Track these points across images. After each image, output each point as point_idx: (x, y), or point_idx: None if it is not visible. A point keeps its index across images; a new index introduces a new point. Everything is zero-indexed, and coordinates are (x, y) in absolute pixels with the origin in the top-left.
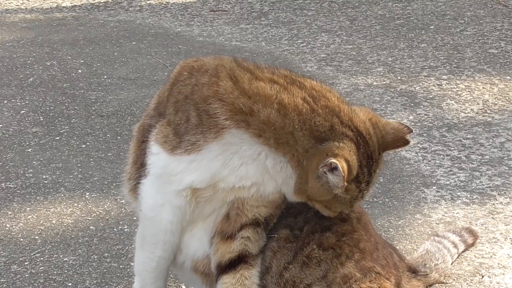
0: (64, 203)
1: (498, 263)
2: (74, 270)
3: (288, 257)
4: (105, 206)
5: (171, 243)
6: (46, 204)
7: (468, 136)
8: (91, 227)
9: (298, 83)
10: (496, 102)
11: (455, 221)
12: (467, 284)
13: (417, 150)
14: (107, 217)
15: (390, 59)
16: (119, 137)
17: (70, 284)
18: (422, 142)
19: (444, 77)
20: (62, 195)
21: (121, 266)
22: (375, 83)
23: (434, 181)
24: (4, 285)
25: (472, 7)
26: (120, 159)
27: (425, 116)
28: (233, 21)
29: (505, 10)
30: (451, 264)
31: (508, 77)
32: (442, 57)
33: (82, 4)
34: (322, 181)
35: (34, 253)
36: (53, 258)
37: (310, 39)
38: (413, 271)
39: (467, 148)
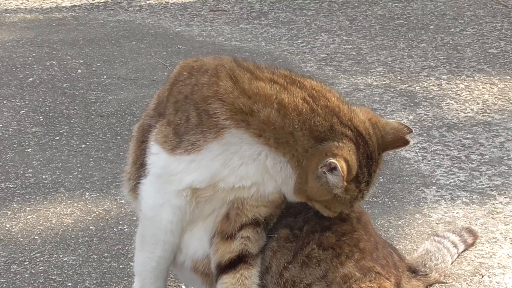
0: (64, 203)
1: (498, 263)
2: (74, 270)
3: (288, 257)
4: (105, 206)
5: (171, 243)
6: (46, 204)
7: (468, 136)
8: (91, 227)
9: (298, 83)
10: (496, 102)
11: (455, 221)
12: (467, 284)
13: (417, 150)
14: (107, 217)
15: (389, 59)
16: (119, 137)
17: (70, 284)
18: (422, 142)
19: (444, 77)
20: (62, 195)
21: (121, 266)
22: (374, 83)
23: (434, 181)
24: (4, 285)
25: (472, 7)
26: (120, 159)
27: (425, 116)
28: (232, 21)
29: (504, 10)
30: (451, 264)
31: (508, 77)
32: (442, 57)
33: (81, 4)
34: (322, 181)
35: (34, 253)
36: (53, 258)
37: (309, 39)
38: (413, 271)
39: (467, 148)
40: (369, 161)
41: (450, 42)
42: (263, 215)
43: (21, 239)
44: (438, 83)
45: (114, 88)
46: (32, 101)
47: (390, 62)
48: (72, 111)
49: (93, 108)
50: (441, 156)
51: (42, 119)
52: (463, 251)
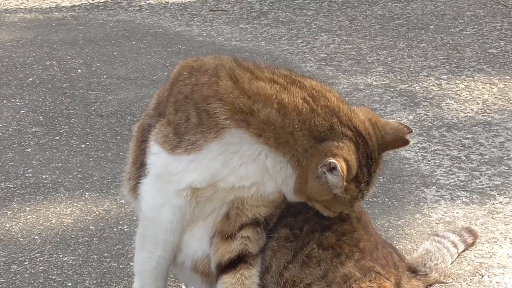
0: (64, 203)
1: (498, 263)
2: (73, 270)
3: (288, 257)
4: (105, 206)
5: (171, 243)
6: (46, 204)
7: (468, 136)
8: (90, 227)
9: (298, 83)
10: (496, 102)
11: (454, 220)
12: (467, 283)
13: (417, 150)
14: (106, 217)
15: (389, 59)
16: (118, 137)
17: (69, 284)
18: (421, 142)
19: (444, 76)
20: (62, 195)
21: (121, 266)
22: (374, 82)
23: (433, 181)
24: (4, 285)
25: (471, 7)
26: (120, 159)
27: (425, 116)
28: (232, 21)
29: (504, 10)
30: (451, 263)
31: (508, 77)
32: (442, 57)
33: (81, 4)
34: (322, 181)
35: (33, 253)
36: (53, 258)
37: (309, 39)
38: (413, 270)
39: (467, 147)
40: (369, 161)
41: (450, 42)
42: (263, 215)
43: (21, 239)
44: (438, 83)
45: (114, 88)
46: (32, 101)
47: (390, 62)
48: (72, 111)
49: (93, 108)
50: (441, 156)
51: (42, 119)
52: (463, 251)
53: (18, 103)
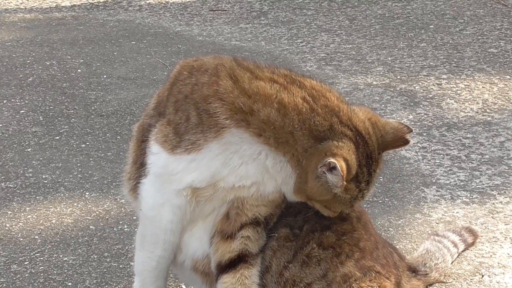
0: (64, 203)
1: (498, 263)
2: (74, 270)
3: (288, 256)
4: (105, 206)
5: (171, 243)
6: (46, 204)
7: (468, 136)
8: (91, 226)
9: (298, 83)
10: (496, 102)
11: (455, 220)
12: (467, 283)
13: (417, 150)
14: (107, 217)
15: (389, 58)
16: (118, 137)
17: (70, 283)
18: (422, 142)
19: (444, 76)
20: (62, 194)
21: (121, 266)
22: (374, 82)
23: (434, 181)
24: (4, 284)
25: (471, 7)
26: (120, 158)
27: (425, 116)
28: (232, 20)
29: (504, 10)
30: (451, 263)
31: (508, 77)
32: (442, 57)
33: (81, 3)
34: (322, 181)
35: (34, 252)
36: (53, 258)
37: (309, 39)
38: (413, 270)
39: (467, 147)
40: (369, 160)
41: (450, 42)
42: (263, 214)
43: (21, 239)
44: (438, 82)
45: (114, 88)
46: (32, 100)
47: (390, 62)
48: (72, 111)
49: (93, 108)
50: (441, 155)
51: (42, 119)
52: (463, 251)
53: (18, 103)
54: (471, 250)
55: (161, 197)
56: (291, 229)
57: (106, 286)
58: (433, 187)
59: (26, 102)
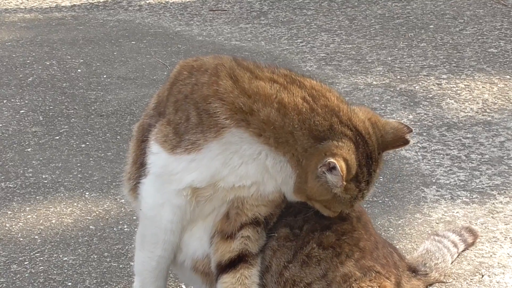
0: (64, 203)
1: (498, 263)
2: (74, 270)
3: (288, 256)
4: (105, 206)
5: (171, 243)
6: (46, 204)
7: (468, 136)
8: (90, 226)
9: (298, 83)
10: (496, 101)
11: (455, 220)
12: (467, 283)
13: (417, 150)
14: (106, 217)
15: (389, 58)
16: (118, 137)
17: (70, 283)
18: (421, 142)
19: (444, 76)
20: (62, 194)
21: (121, 266)
22: (374, 82)
23: (434, 181)
24: (4, 284)
25: (471, 7)
26: (120, 158)
27: (425, 116)
28: (232, 20)
29: (504, 9)
30: (451, 263)
31: (508, 76)
32: (442, 57)
33: (81, 3)
34: (321, 181)
35: (33, 252)
36: (53, 258)
37: (309, 39)
38: (413, 270)
39: (467, 147)
40: (369, 160)
41: (450, 42)
42: (263, 214)
43: (21, 239)
44: (438, 82)
45: (114, 88)
46: (32, 100)
47: (390, 62)
48: (72, 111)
49: (93, 108)
50: (441, 155)
51: (42, 119)
52: (463, 251)
53: (18, 103)
54: (471, 250)
55: (161, 197)
56: (291, 229)
57: (106, 286)
58: (433, 187)
59: (26, 102)
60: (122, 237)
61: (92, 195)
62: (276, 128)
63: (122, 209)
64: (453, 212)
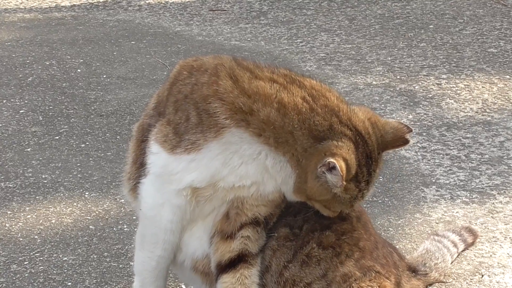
0: (64, 203)
1: (498, 262)
2: (73, 270)
3: (288, 256)
4: (105, 206)
5: (171, 243)
6: (46, 204)
7: (468, 135)
8: (90, 226)
9: (298, 82)
10: (496, 101)
11: (454, 220)
12: (467, 283)
13: (417, 149)
14: (106, 217)
15: (389, 58)
16: (118, 137)
17: (69, 283)
18: (421, 141)
19: (444, 76)
20: (62, 194)
21: (120, 266)
22: (374, 82)
23: (433, 180)
24: (4, 284)
25: (471, 6)
26: (120, 158)
27: (425, 115)
28: (232, 20)
29: (504, 9)
30: (451, 263)
31: (508, 76)
32: (442, 56)
33: (81, 3)
34: (321, 181)
35: (33, 252)
36: (53, 258)
37: (309, 39)
38: (413, 270)
39: (467, 147)
40: (369, 160)
41: (450, 42)
42: (263, 214)
43: (21, 239)
44: (437, 82)
45: (113, 88)
46: (32, 100)
47: (389, 62)
48: (72, 111)
49: (92, 108)
50: (441, 155)
51: (41, 119)
52: (463, 251)
53: (18, 103)
54: (471, 250)
55: (161, 197)
56: (291, 229)
57: (106, 286)
58: (433, 187)
59: (26, 102)
60: (121, 237)
61: (91, 195)
62: (276, 128)
63: (122, 209)
64: (453, 212)
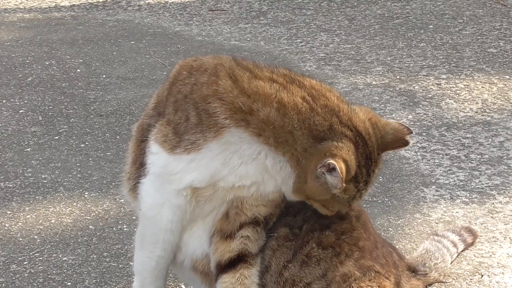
0: (63, 203)
1: (498, 262)
2: (73, 270)
3: (288, 256)
4: (104, 206)
5: (170, 243)
6: (45, 204)
7: (467, 136)
8: (90, 226)
9: (298, 82)
10: (495, 101)
11: (454, 220)
12: (466, 283)
13: (417, 150)
14: (106, 217)
15: (389, 58)
16: (118, 137)
17: (69, 283)
18: (421, 142)
19: (443, 76)
20: (61, 194)
21: (120, 266)
22: (374, 82)
23: (433, 180)
24: (3, 284)
25: (471, 7)
26: (119, 158)
27: (424, 116)
28: (232, 20)
29: (504, 10)
30: (451, 263)
31: (507, 76)
32: (441, 57)
33: (80, 3)
34: (321, 181)
35: (33, 252)
36: (52, 258)
37: (309, 39)
38: (413, 270)
39: (466, 147)
40: (368, 161)
41: (449, 42)
42: (263, 214)
43: (21, 239)
44: (437, 82)
45: (113, 88)
46: (31, 100)
47: (389, 62)
48: (71, 111)
49: (92, 108)
50: (441, 155)
51: (41, 119)
52: (462, 251)
53: (17, 103)
54: (471, 250)
55: (161, 197)
56: (290, 229)
57: (106, 286)
58: (433, 187)
59: (25, 102)
60: (121, 237)
61: (91, 195)
62: (275, 128)
63: (122, 209)
64: (453, 212)
